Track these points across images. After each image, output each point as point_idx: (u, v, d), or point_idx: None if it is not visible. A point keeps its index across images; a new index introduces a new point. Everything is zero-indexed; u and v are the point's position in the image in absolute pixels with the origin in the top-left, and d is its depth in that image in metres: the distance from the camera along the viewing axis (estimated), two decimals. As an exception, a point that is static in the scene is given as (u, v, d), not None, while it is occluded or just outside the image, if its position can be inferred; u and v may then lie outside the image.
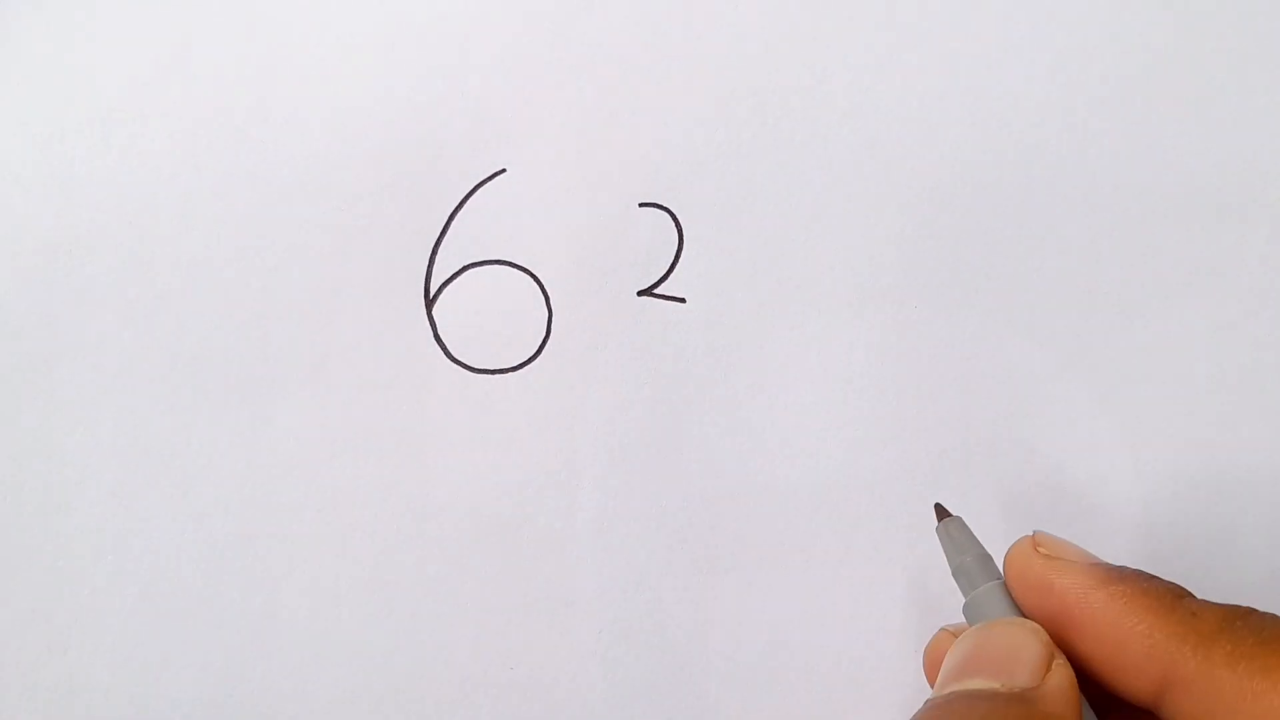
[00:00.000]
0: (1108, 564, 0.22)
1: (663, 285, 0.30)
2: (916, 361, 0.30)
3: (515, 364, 0.30)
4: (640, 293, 0.30)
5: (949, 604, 0.31)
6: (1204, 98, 0.30)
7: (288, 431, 0.29)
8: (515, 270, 0.29)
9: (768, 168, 0.30)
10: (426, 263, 0.29)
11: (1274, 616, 0.20)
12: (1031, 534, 0.23)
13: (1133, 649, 0.20)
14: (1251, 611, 0.20)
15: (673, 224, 0.30)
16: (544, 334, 0.30)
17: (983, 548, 0.25)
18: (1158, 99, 0.30)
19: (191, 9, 0.28)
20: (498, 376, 0.30)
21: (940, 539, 0.26)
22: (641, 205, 0.30)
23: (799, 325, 0.30)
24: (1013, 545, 0.23)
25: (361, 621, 0.28)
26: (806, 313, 0.30)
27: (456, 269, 0.29)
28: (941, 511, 0.26)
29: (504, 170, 0.29)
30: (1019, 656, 0.21)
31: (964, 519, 0.25)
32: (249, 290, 0.29)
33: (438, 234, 0.29)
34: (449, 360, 0.29)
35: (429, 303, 0.29)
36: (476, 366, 0.29)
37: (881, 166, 0.30)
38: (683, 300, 0.30)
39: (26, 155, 0.28)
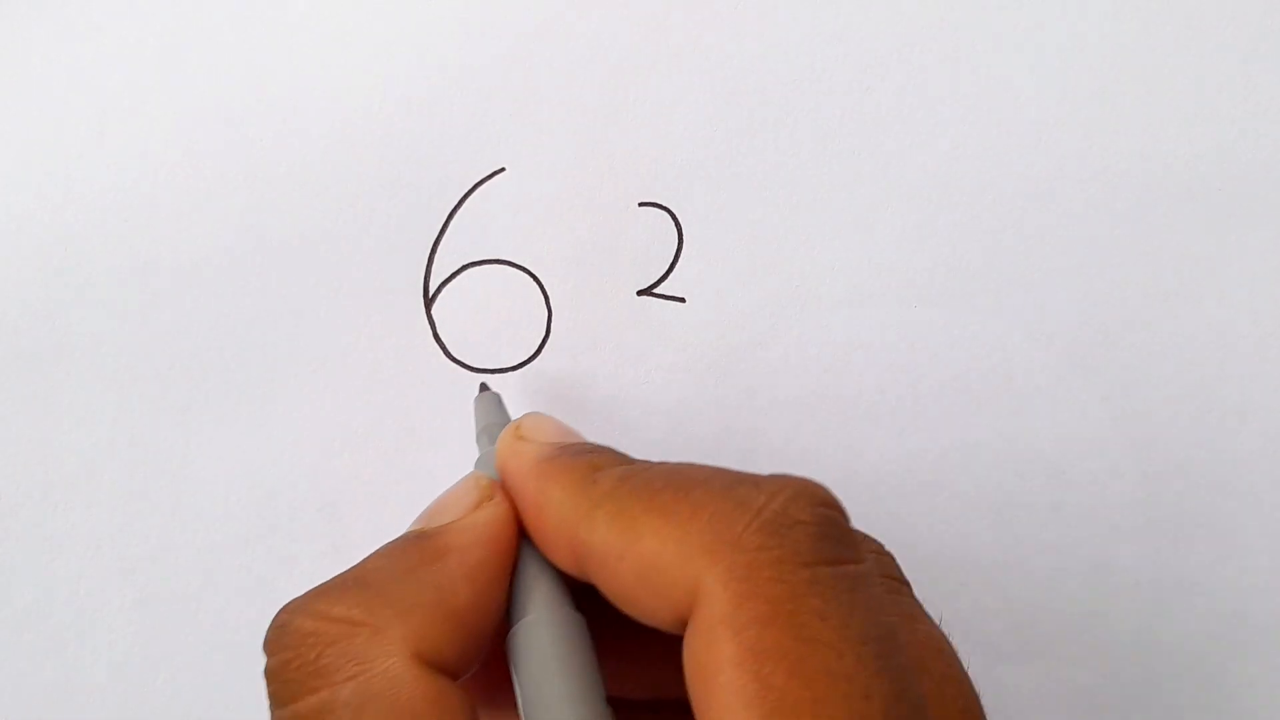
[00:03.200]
0: (566, 444, 0.22)
1: (662, 285, 0.30)
2: (916, 361, 0.30)
3: (515, 363, 0.30)
4: (640, 292, 0.30)
5: (949, 603, 0.31)
6: (1205, 97, 0.30)
7: (287, 431, 0.29)
8: (515, 269, 0.29)
9: (768, 168, 0.30)
10: (425, 262, 0.29)
11: (666, 466, 0.20)
12: (522, 417, 0.23)
13: (549, 521, 0.20)
14: (651, 466, 0.20)
15: (672, 224, 0.30)
16: (543, 333, 0.30)
17: (507, 418, 0.27)
18: (1158, 99, 0.30)
19: (191, 9, 0.28)
20: (497, 376, 0.30)
21: (474, 409, 0.28)
22: (641, 205, 0.30)
23: (799, 325, 0.30)
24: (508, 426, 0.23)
25: (361, 621, 0.28)
26: (806, 313, 0.30)
27: (456, 268, 0.29)
28: (483, 388, 0.28)
29: (503, 169, 0.29)
30: (450, 504, 0.22)
31: (500, 396, 0.28)
32: (248, 290, 0.29)
33: (437, 233, 0.29)
34: (448, 359, 0.29)
35: (428, 302, 0.29)
36: (476, 366, 0.29)
37: (881, 166, 0.30)
38: (682, 300, 0.30)
39: (26, 155, 0.28)
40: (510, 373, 0.30)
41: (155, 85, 0.28)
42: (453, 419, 0.29)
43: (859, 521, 0.30)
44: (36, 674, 0.29)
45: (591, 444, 0.22)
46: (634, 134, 0.29)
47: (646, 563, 0.18)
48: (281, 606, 0.20)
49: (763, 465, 0.30)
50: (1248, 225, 0.30)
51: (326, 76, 0.29)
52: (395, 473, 0.29)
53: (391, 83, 0.29)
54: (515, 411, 0.29)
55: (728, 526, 0.17)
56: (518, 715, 0.20)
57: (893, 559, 0.23)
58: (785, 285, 0.30)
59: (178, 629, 0.29)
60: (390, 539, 0.21)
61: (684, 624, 0.18)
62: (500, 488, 0.22)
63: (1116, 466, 0.31)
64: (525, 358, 0.30)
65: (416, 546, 0.20)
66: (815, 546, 0.17)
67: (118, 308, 0.29)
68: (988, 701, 0.32)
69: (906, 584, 0.23)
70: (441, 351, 0.29)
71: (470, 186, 0.29)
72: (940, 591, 0.31)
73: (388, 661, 0.18)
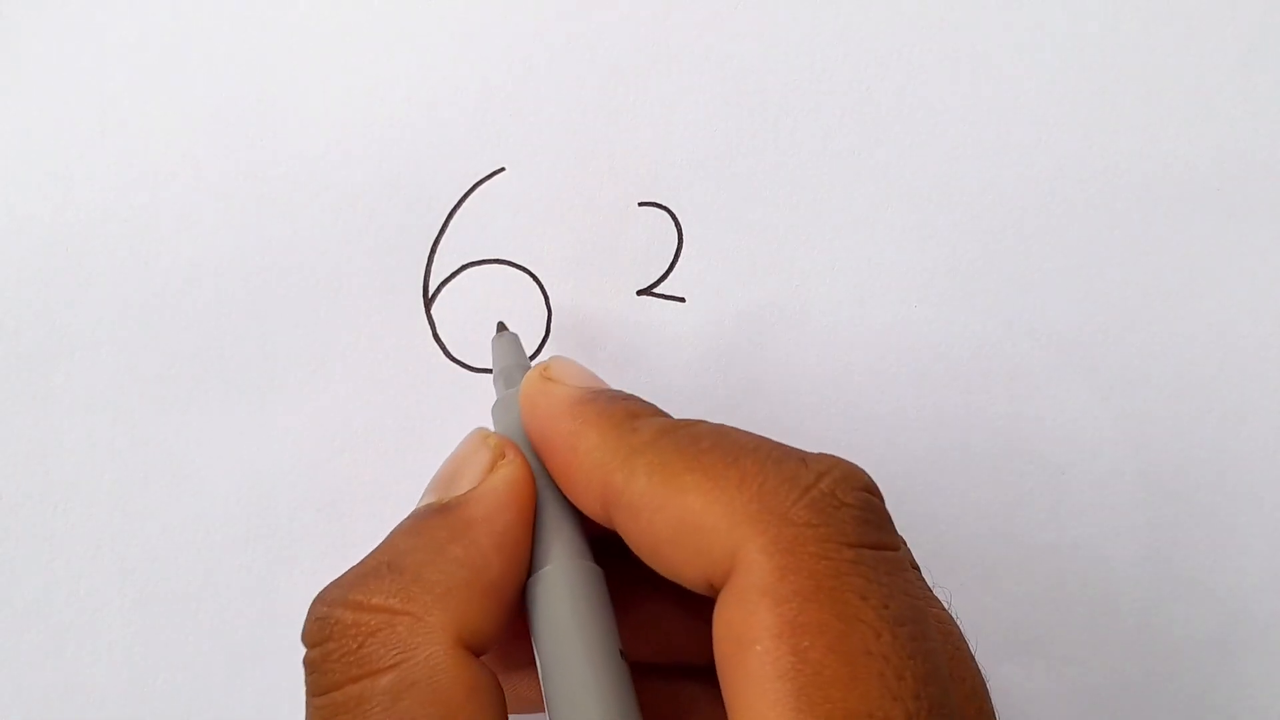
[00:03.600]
0: (599, 389, 0.22)
1: (662, 284, 0.30)
2: (916, 361, 0.30)
3: (515, 364, 0.30)
4: (639, 292, 0.30)
5: (950, 603, 0.31)
6: (1205, 97, 0.30)
7: (287, 430, 0.29)
8: (514, 269, 0.29)
9: (768, 168, 0.30)
10: (425, 262, 0.29)
11: (710, 426, 0.20)
12: (549, 360, 0.23)
13: (582, 466, 0.20)
14: (694, 423, 0.20)
15: (672, 223, 0.30)
16: (543, 333, 0.30)
17: (526, 361, 0.26)
18: (1158, 98, 0.30)
19: (192, 10, 0.28)
20: (497, 376, 0.30)
21: (492, 349, 0.27)
22: (641, 204, 0.30)
23: (799, 325, 0.30)
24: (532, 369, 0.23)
25: (361, 621, 0.28)
26: (806, 313, 0.30)
27: (455, 268, 0.29)
28: (501, 327, 0.28)
29: (503, 169, 0.29)
30: (463, 468, 0.21)
31: (519, 336, 0.27)
32: (248, 289, 0.29)
33: (436, 233, 0.29)
34: (448, 359, 0.29)
35: (428, 301, 0.29)
36: (476, 365, 0.29)
37: (881, 166, 0.30)
38: (682, 300, 0.30)
39: (26, 155, 0.28)
40: (510, 373, 0.30)
41: (156, 86, 0.28)
42: (452, 418, 0.29)
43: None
44: (36, 674, 0.29)
45: (624, 392, 0.22)
46: (634, 134, 0.29)
47: (687, 520, 0.18)
48: (316, 596, 0.20)
49: (763, 465, 0.30)
50: (1248, 225, 0.30)
51: (327, 77, 0.29)
52: (395, 473, 0.29)
53: (392, 83, 0.29)
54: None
55: (776, 499, 0.18)
56: (532, 669, 0.20)
57: (908, 548, 0.23)
58: (785, 285, 0.30)
59: (178, 629, 0.29)
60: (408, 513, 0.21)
61: (711, 586, 0.18)
62: (510, 444, 0.22)
63: (1116, 466, 0.31)
64: (525, 358, 0.30)
65: (443, 522, 0.20)
66: (860, 529, 0.18)
67: (118, 308, 0.29)
68: (988, 701, 0.32)
69: (918, 569, 0.23)
70: (441, 351, 0.29)
71: (470, 186, 0.29)
72: (940, 591, 0.31)
73: (430, 649, 0.18)
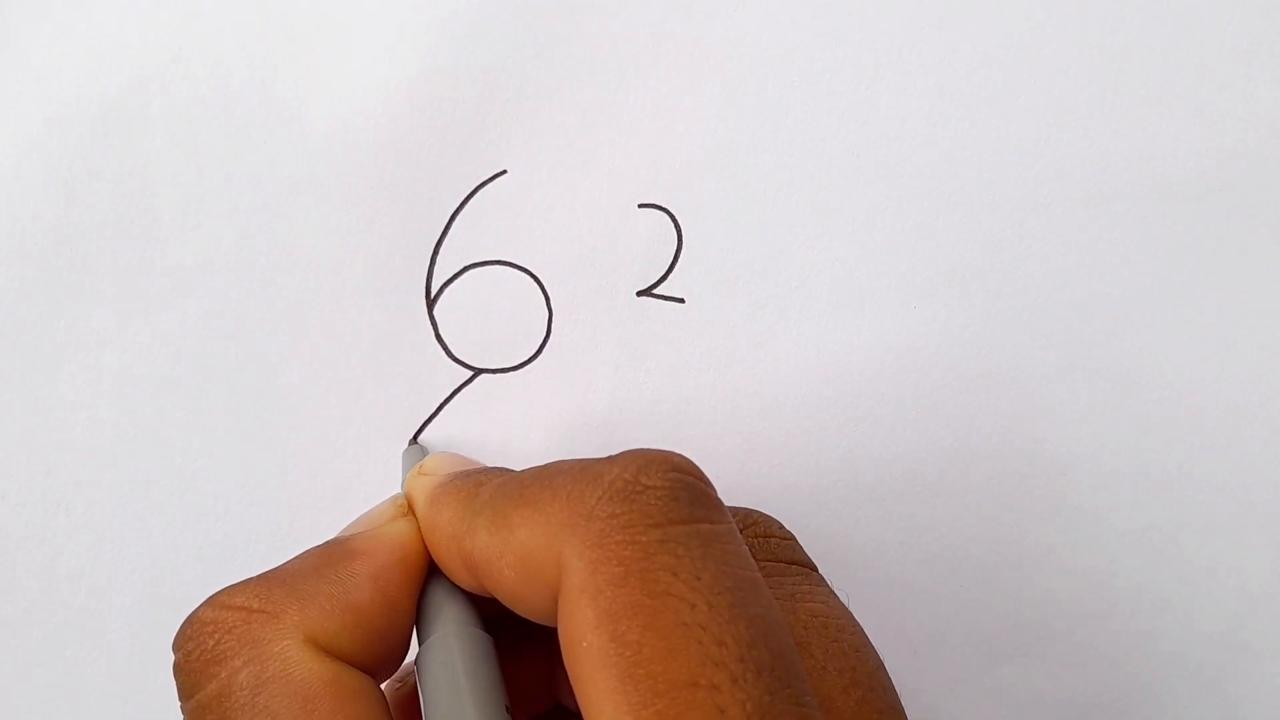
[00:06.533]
0: (460, 472, 0.23)
1: (662, 285, 0.30)
2: (916, 361, 0.30)
3: (515, 364, 0.30)
4: (640, 293, 0.30)
5: (949, 603, 0.31)
6: (1205, 97, 0.30)
7: (288, 431, 0.29)
8: (516, 270, 0.30)
9: (768, 168, 0.30)
10: (427, 263, 0.29)
11: (540, 466, 0.20)
12: (426, 457, 0.25)
13: (441, 542, 0.21)
14: (528, 470, 0.20)
15: (672, 225, 0.30)
16: (544, 334, 0.30)
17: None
18: (1158, 98, 0.30)
19: (194, 10, 0.28)
20: (498, 376, 0.30)
21: (401, 462, 0.29)
22: (641, 206, 0.30)
23: (799, 325, 0.30)
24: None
25: (361, 621, 0.28)
26: (806, 313, 0.30)
27: (457, 269, 0.29)
28: (412, 440, 0.29)
29: (504, 171, 0.29)
30: (368, 518, 0.23)
31: (425, 448, 0.29)
32: (249, 290, 0.29)
33: (439, 234, 0.29)
34: (450, 360, 0.29)
35: (430, 303, 0.29)
36: (477, 366, 0.29)
37: (881, 166, 0.30)
38: (682, 300, 0.30)
39: (26, 155, 0.28)
40: (511, 373, 0.30)
41: (158, 85, 0.28)
42: (454, 419, 0.29)
43: (860, 521, 0.30)
44: (36, 674, 0.29)
45: (487, 468, 0.23)
46: (634, 135, 0.29)
47: (521, 554, 0.19)
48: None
49: (762, 465, 0.30)
50: (1248, 225, 0.30)
51: (329, 78, 0.29)
52: (395, 473, 0.29)
53: (394, 85, 0.29)
54: (515, 410, 0.29)
55: (582, 502, 0.18)
56: None
57: (794, 542, 0.24)
58: (785, 285, 0.30)
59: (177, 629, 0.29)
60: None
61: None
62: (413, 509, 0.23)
63: (1116, 467, 0.31)
64: (526, 358, 0.30)
65: (327, 549, 0.21)
66: (666, 508, 0.18)
67: (119, 308, 0.29)
68: (988, 702, 0.32)
69: (808, 565, 0.24)
70: (443, 352, 0.29)
71: (472, 188, 0.29)
72: (940, 591, 0.31)
73: (282, 644, 0.19)
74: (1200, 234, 0.30)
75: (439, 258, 0.29)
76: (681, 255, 0.30)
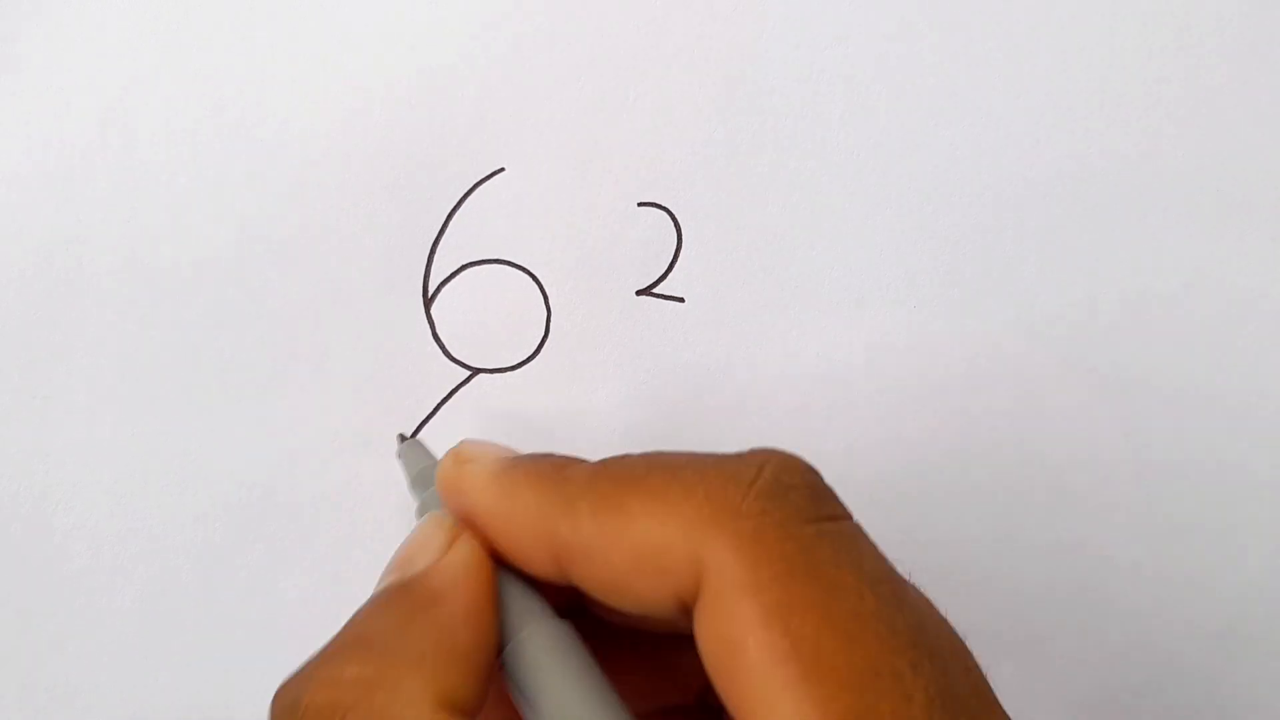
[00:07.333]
0: (517, 455, 0.22)
1: (661, 285, 0.30)
2: (916, 361, 0.30)
3: (514, 363, 0.30)
4: (639, 292, 0.30)
5: (949, 603, 0.31)
6: (1204, 97, 0.30)
7: (286, 430, 0.29)
8: (514, 269, 0.29)
9: (767, 167, 0.30)
10: (425, 262, 0.29)
11: (640, 455, 0.20)
12: (458, 443, 0.23)
13: (522, 527, 0.20)
14: (624, 456, 0.20)
15: (671, 223, 0.30)
16: (543, 333, 0.30)
17: (434, 459, 0.26)
18: (1158, 98, 0.30)
19: (193, 8, 0.28)
20: (496, 376, 0.30)
21: (401, 460, 0.27)
22: (640, 205, 0.30)
23: (798, 325, 0.30)
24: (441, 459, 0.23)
25: (360, 621, 0.28)
26: (806, 313, 0.30)
27: (455, 268, 0.29)
28: (401, 439, 0.28)
29: (502, 169, 0.29)
30: (421, 549, 0.21)
31: (423, 441, 0.27)
32: (248, 289, 0.29)
33: (436, 233, 0.29)
34: (447, 359, 0.29)
35: (427, 301, 0.29)
36: (475, 365, 0.29)
37: (881, 166, 0.30)
38: (681, 300, 0.30)
39: (26, 155, 0.28)
40: (509, 372, 0.30)
41: (156, 85, 0.28)
42: (452, 419, 0.29)
43: (860, 521, 0.30)
44: (36, 674, 0.29)
45: (542, 453, 0.22)
46: (634, 134, 0.29)
47: (642, 545, 0.18)
48: (282, 683, 0.19)
49: (762, 465, 0.30)
50: (1248, 225, 0.30)
51: (327, 76, 0.29)
52: (395, 473, 0.29)
53: (391, 82, 0.29)
54: (513, 410, 0.29)
55: (725, 498, 0.18)
56: None
57: None
58: (785, 285, 0.30)
59: (178, 629, 0.29)
60: (373, 588, 0.21)
61: (684, 606, 0.18)
62: (464, 527, 0.22)
63: (1116, 466, 0.31)
64: (524, 357, 0.30)
65: (406, 597, 0.20)
66: (813, 505, 0.18)
67: (118, 307, 0.29)
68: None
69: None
70: (441, 351, 0.29)
71: (470, 186, 0.29)
72: (940, 591, 0.31)
73: (413, 713, 0.18)
74: (1200, 234, 0.30)
75: (436, 256, 0.29)
76: (681, 254, 0.30)
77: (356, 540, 0.29)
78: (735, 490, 0.18)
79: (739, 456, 0.19)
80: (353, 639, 0.19)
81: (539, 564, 0.20)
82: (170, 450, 0.29)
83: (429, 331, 0.29)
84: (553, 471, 0.20)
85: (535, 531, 0.20)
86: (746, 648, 0.16)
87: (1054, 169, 0.30)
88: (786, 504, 0.18)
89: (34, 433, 0.29)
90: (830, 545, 0.17)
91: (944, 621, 0.20)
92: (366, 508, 0.29)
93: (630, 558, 0.18)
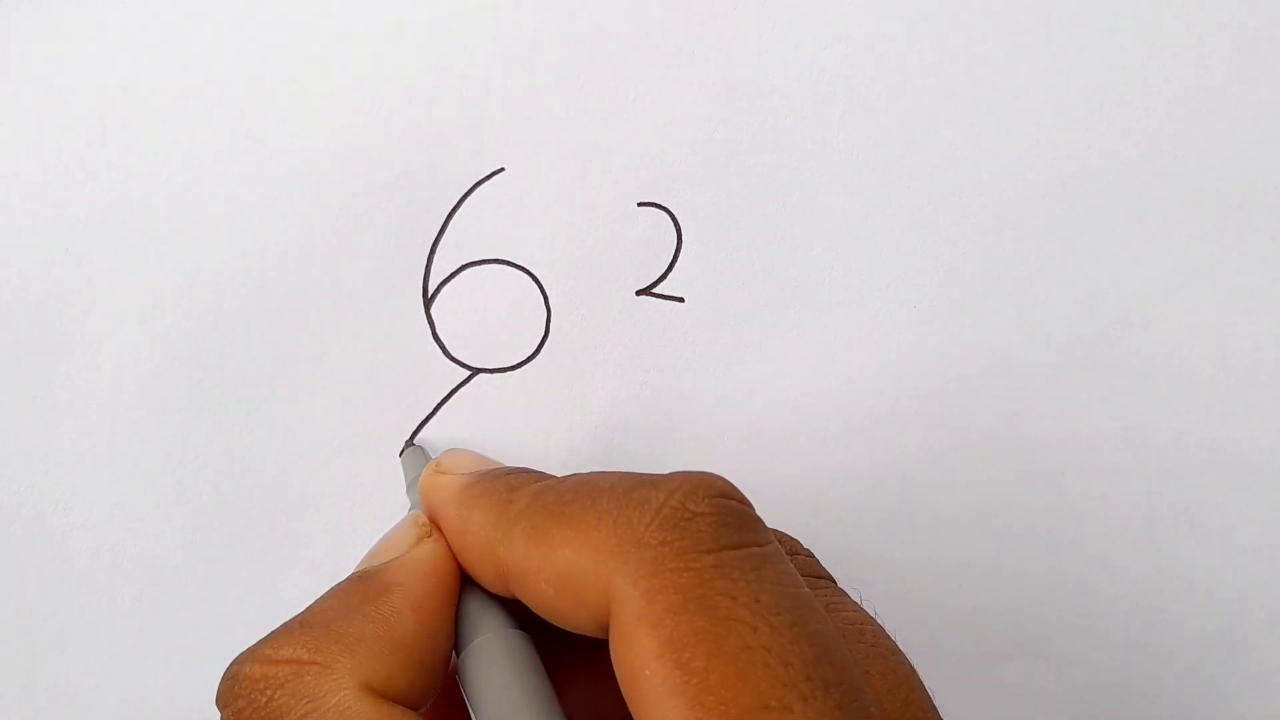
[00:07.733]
0: (485, 471, 0.23)
1: (661, 284, 0.30)
2: (916, 361, 0.30)
3: (514, 363, 0.30)
4: (639, 292, 0.30)
5: (949, 603, 0.31)
6: (1204, 97, 0.30)
7: (286, 430, 0.29)
8: (514, 269, 0.29)
9: (767, 168, 0.30)
10: (425, 261, 0.29)
11: (577, 478, 0.20)
12: (444, 453, 0.24)
13: (471, 545, 0.21)
14: (564, 480, 0.20)
15: (671, 223, 0.30)
16: (542, 333, 0.30)
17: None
18: (1158, 98, 0.30)
19: (193, 9, 0.28)
20: (496, 376, 0.30)
21: (403, 464, 0.29)
22: (640, 204, 0.30)
23: (798, 325, 0.30)
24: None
25: (360, 621, 0.28)
26: (806, 313, 0.30)
27: (455, 268, 0.29)
28: (407, 445, 0.29)
29: (502, 169, 0.29)
30: (391, 545, 0.22)
31: (425, 448, 0.29)
32: (248, 289, 0.29)
33: (436, 233, 0.29)
34: (447, 359, 0.29)
35: (427, 301, 0.29)
36: (475, 365, 0.29)
37: (881, 166, 0.30)
38: (681, 300, 0.30)
39: (26, 155, 0.28)
40: (509, 372, 0.30)
41: (156, 85, 0.28)
42: (451, 419, 0.29)
43: (860, 521, 0.30)
44: (36, 674, 0.29)
45: (510, 468, 0.23)
46: (634, 134, 0.29)
47: (562, 573, 0.19)
48: (234, 658, 0.20)
49: (762, 465, 0.30)
50: (1247, 225, 0.30)
51: (327, 76, 0.29)
52: (395, 473, 0.29)
53: (391, 83, 0.29)
54: (513, 409, 0.29)
55: (630, 528, 0.18)
56: None
57: (814, 558, 0.24)
58: (785, 285, 0.30)
59: (178, 629, 0.29)
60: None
61: (604, 630, 0.18)
62: (438, 527, 0.22)
63: (1116, 466, 0.31)
64: (524, 357, 0.30)
65: (360, 585, 0.21)
66: (716, 534, 0.18)
67: (118, 308, 0.29)
68: (988, 701, 0.32)
69: (829, 578, 0.24)
70: (441, 351, 0.29)
71: (470, 186, 0.29)
72: (940, 591, 0.31)
73: (338, 695, 0.18)
74: (1199, 233, 0.30)
75: (436, 256, 0.29)
76: (681, 254, 0.30)
77: (356, 540, 0.29)
78: (640, 519, 0.18)
79: (654, 481, 0.19)
80: (299, 621, 0.20)
81: (488, 580, 0.21)
82: (170, 450, 0.29)
83: (429, 331, 0.29)
84: (503, 493, 0.21)
85: (482, 551, 0.21)
86: (644, 678, 0.17)
87: (1054, 169, 0.30)
88: (687, 533, 0.18)
89: (34, 433, 0.29)
90: (727, 576, 0.17)
91: (875, 646, 0.20)
92: (366, 508, 0.29)
93: (554, 583, 0.19)
